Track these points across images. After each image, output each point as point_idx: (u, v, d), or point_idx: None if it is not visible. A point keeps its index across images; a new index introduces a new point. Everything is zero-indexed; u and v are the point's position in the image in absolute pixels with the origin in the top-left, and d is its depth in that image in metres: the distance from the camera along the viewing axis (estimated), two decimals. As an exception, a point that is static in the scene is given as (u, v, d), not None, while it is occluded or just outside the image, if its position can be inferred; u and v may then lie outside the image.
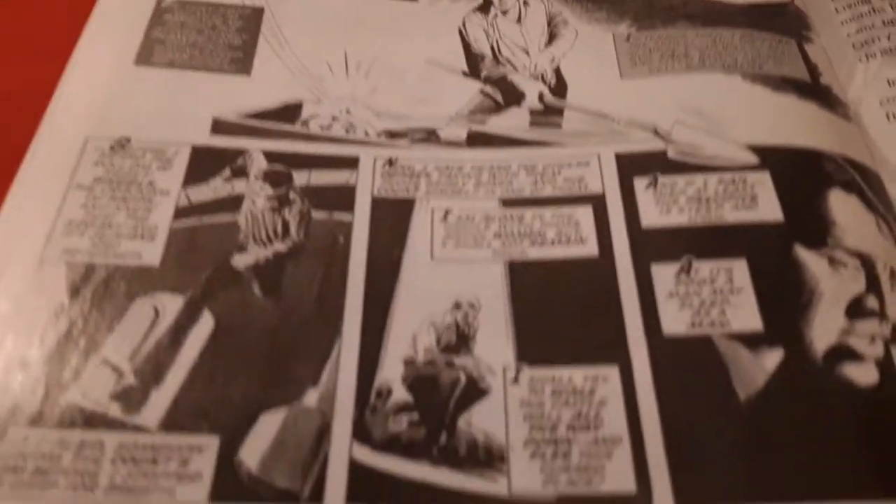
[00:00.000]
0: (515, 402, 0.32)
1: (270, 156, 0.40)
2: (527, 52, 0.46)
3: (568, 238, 0.37)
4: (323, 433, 0.31)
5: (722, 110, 0.41)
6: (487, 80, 0.44)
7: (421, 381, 0.33)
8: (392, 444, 0.31)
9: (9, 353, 0.33)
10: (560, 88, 0.44)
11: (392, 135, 0.41)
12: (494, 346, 0.34)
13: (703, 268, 0.36)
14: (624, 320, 0.34)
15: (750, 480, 0.30)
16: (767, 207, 0.38)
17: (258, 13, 0.47)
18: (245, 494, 0.30)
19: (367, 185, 0.39)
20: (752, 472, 0.30)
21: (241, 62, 0.44)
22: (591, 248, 0.37)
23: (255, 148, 0.40)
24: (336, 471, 0.31)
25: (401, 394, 0.33)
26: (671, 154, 0.40)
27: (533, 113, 0.43)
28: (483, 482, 0.31)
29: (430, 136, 0.42)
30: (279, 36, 0.46)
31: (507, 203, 0.39)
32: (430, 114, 0.42)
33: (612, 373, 0.33)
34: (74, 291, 0.35)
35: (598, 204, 0.38)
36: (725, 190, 0.38)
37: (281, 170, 0.40)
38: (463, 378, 0.33)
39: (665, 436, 0.31)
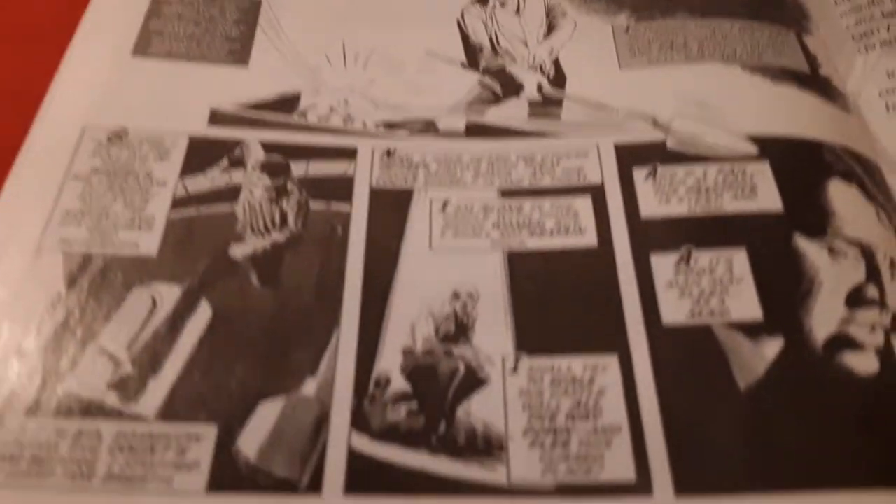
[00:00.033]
0: (514, 391, 0.32)
1: (268, 146, 0.40)
2: (525, 44, 0.46)
3: (567, 228, 0.37)
4: (321, 422, 0.31)
5: (721, 101, 0.41)
6: (486, 72, 0.44)
7: (419, 370, 0.33)
8: (391, 434, 0.31)
9: (6, 342, 0.33)
10: (559, 79, 0.44)
11: (390, 125, 0.41)
12: (493, 335, 0.34)
13: (703, 257, 0.36)
14: (623, 310, 0.34)
15: (750, 469, 0.30)
16: (767, 197, 0.38)
17: (256, 4, 0.47)
18: (243, 483, 0.30)
19: (365, 175, 0.39)
20: (751, 460, 0.30)
21: (239, 53, 0.44)
22: (590, 239, 0.37)
23: (253, 139, 0.40)
24: (334, 460, 0.30)
25: (399, 383, 0.33)
26: (670, 144, 0.40)
27: (532, 104, 0.43)
28: (482, 471, 0.30)
29: (429, 127, 0.41)
30: (277, 27, 0.46)
31: (506, 193, 0.39)
32: (429, 105, 0.42)
33: (612, 362, 0.33)
34: (71, 281, 0.35)
35: (598, 194, 0.38)
36: (725, 180, 0.38)
37: (279, 160, 0.39)
38: (462, 367, 0.33)
39: (664, 425, 0.31)
